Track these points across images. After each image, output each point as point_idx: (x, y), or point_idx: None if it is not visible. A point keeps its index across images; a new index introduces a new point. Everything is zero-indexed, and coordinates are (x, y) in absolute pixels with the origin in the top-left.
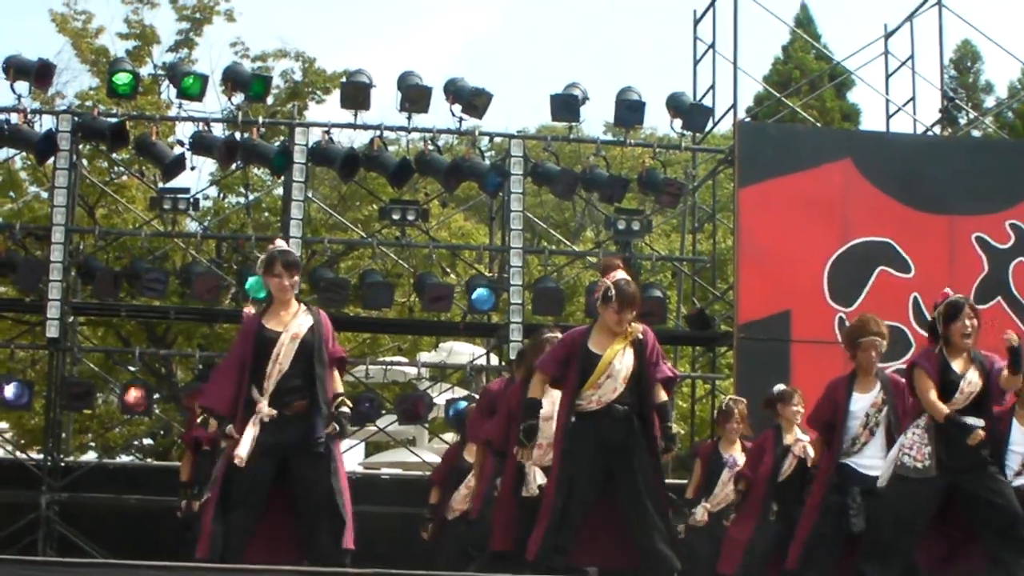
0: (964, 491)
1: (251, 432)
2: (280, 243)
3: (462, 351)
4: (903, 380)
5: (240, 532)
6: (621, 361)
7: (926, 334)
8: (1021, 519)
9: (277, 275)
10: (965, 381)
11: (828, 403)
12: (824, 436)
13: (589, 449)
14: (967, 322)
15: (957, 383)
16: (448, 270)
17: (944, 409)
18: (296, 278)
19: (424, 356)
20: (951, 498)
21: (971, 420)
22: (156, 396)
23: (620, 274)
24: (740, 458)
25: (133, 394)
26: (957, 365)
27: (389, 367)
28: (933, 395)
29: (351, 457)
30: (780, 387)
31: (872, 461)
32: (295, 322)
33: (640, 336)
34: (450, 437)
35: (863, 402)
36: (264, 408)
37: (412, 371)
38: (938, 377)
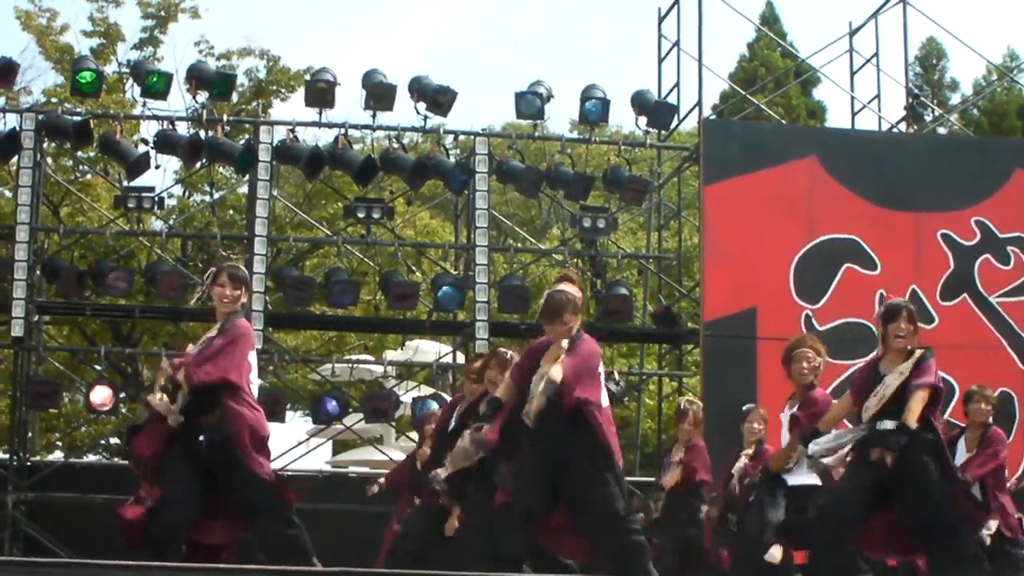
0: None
1: None
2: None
3: (428, 349)
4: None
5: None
6: (546, 373)
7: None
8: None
9: (220, 284)
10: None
11: None
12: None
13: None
14: (903, 324)
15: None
16: (414, 268)
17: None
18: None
19: (390, 354)
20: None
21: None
22: (122, 395)
23: (561, 285)
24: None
25: (100, 393)
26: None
27: (355, 365)
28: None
29: (318, 455)
30: (747, 405)
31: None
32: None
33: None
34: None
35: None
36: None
37: (378, 369)
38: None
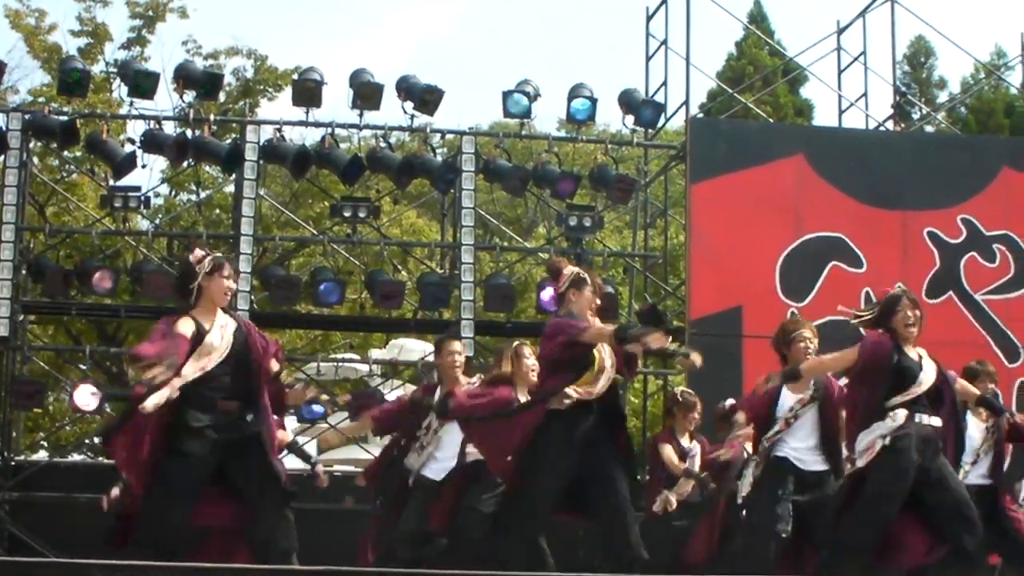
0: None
1: None
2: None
3: (413, 348)
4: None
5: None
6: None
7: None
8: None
9: (227, 277)
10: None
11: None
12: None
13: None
14: (908, 313)
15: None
16: (399, 267)
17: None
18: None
19: (375, 353)
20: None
21: None
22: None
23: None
24: (697, 447)
25: (83, 394)
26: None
27: (341, 364)
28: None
29: None
30: (729, 401)
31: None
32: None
33: None
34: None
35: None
36: None
37: (364, 368)
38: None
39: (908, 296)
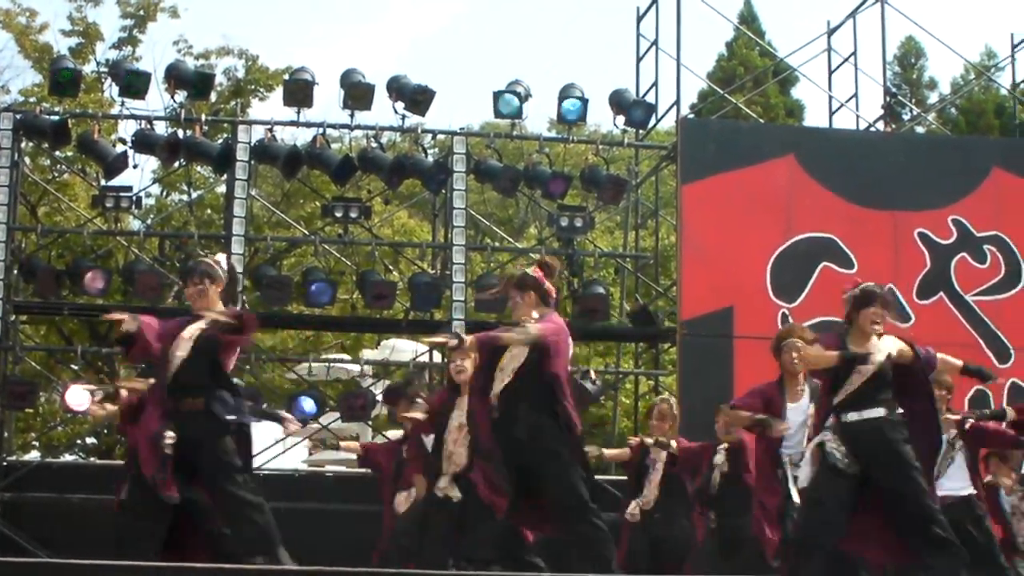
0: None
1: None
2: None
3: (405, 348)
4: None
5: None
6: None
7: None
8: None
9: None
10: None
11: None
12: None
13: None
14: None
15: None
16: (391, 267)
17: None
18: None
19: (367, 353)
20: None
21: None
22: (99, 395)
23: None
24: (661, 459)
25: (75, 395)
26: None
27: (332, 364)
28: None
29: (294, 455)
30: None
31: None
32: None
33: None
34: (393, 435)
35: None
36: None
37: (355, 368)
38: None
39: (886, 296)
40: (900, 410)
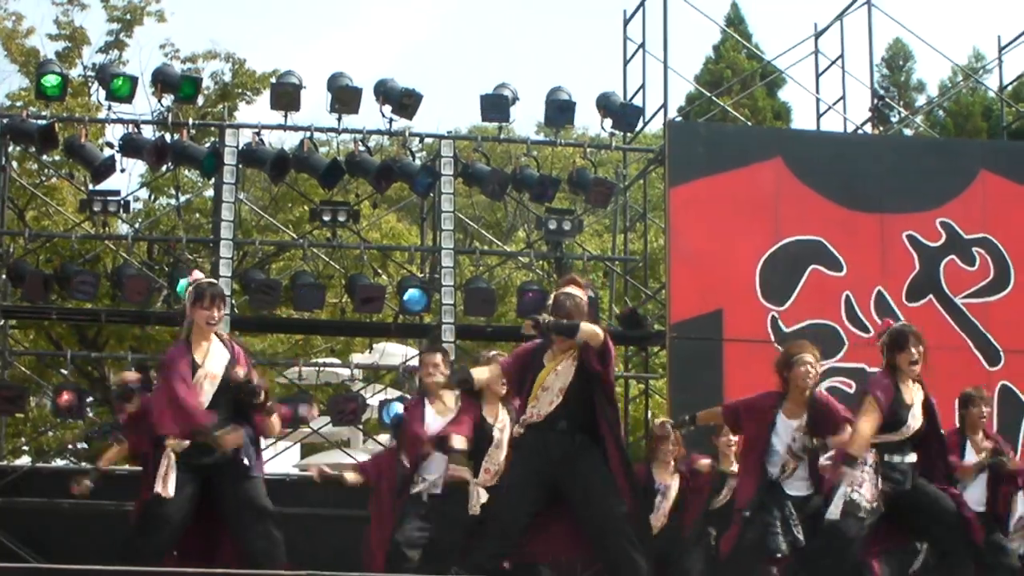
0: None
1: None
2: (197, 274)
3: (395, 352)
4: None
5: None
6: (556, 374)
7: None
8: None
9: (207, 308)
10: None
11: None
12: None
13: (530, 460)
14: (913, 350)
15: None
16: (379, 271)
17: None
18: (224, 311)
19: (357, 357)
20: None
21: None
22: (89, 399)
23: (568, 288)
24: (674, 484)
25: (65, 397)
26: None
27: (322, 368)
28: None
29: (285, 459)
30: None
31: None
32: (210, 361)
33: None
34: (384, 439)
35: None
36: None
37: (345, 372)
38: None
39: (917, 333)
40: None
